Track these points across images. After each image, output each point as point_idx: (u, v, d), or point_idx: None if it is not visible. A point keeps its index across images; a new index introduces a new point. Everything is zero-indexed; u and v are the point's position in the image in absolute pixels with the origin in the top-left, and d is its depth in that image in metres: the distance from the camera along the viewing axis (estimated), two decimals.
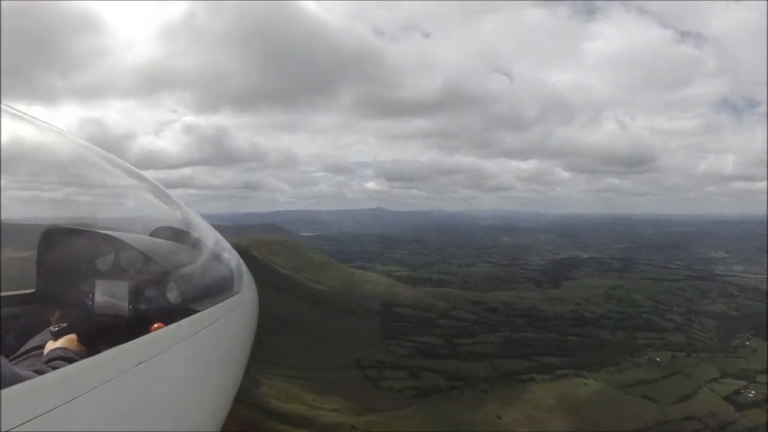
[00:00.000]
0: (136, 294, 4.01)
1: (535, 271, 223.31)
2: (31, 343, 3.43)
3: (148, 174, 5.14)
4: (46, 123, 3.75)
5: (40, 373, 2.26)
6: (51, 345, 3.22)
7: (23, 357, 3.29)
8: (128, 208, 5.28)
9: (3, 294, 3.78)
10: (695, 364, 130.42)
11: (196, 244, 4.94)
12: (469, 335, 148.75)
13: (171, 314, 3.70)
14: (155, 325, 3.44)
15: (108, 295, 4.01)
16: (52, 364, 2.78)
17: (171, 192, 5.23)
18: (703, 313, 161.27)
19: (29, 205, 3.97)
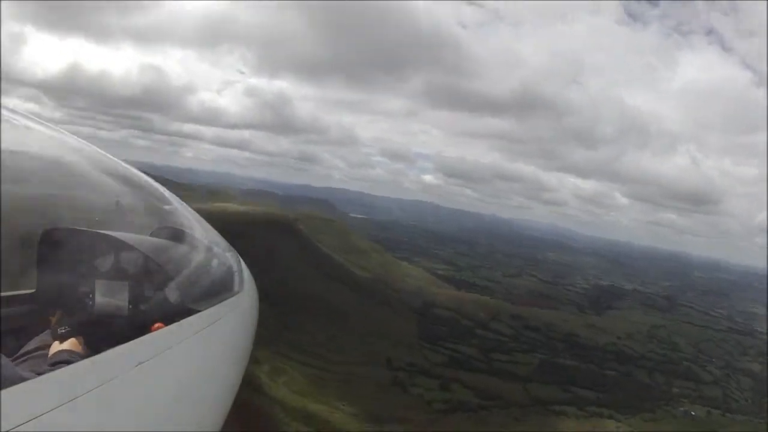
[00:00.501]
0: (136, 294, 3.90)
1: (578, 294, 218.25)
2: (32, 343, 3.35)
3: (148, 177, 5.16)
4: (46, 123, 3.81)
5: (41, 374, 2.26)
6: (56, 347, 3.15)
7: (24, 357, 3.22)
8: (128, 209, 4.87)
9: (3, 294, 3.72)
10: (728, 424, 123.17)
11: (196, 244, 4.90)
12: (507, 352, 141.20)
13: (171, 314, 3.66)
14: (155, 325, 3.42)
15: (108, 295, 3.84)
16: (57, 367, 2.71)
17: (171, 192, 5.21)
18: (742, 371, 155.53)
19: (29, 205, 3.97)
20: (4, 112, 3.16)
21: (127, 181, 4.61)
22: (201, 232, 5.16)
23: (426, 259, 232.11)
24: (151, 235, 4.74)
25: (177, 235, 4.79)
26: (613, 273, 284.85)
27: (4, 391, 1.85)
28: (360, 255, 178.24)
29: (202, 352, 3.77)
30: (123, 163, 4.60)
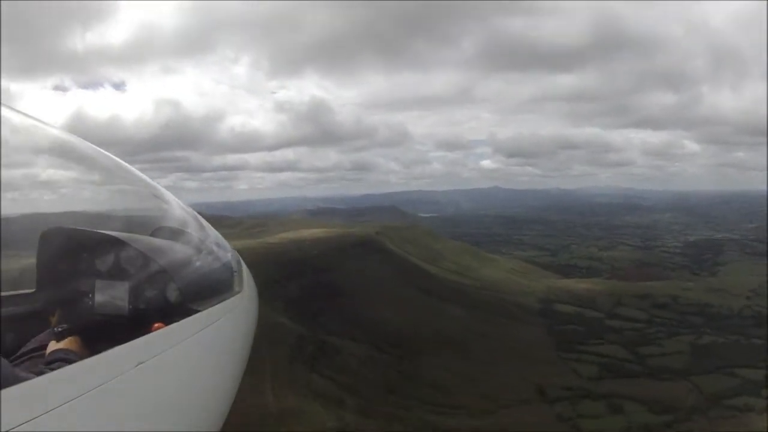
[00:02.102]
0: (136, 294, 3.88)
1: (677, 255, 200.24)
2: (32, 343, 3.39)
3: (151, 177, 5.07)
4: (45, 123, 3.70)
5: (40, 374, 2.26)
6: (53, 346, 3.17)
7: (24, 357, 3.26)
8: (128, 208, 5.14)
9: (3, 294, 3.65)
10: None
11: (196, 244, 4.77)
12: (651, 341, 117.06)
13: (171, 314, 3.64)
14: (155, 325, 3.35)
15: (108, 295, 3.85)
16: (53, 365, 2.75)
17: (171, 192, 5.04)
18: None
19: (29, 205, 4.01)
20: (4, 112, 3.05)
21: (127, 180, 4.50)
22: (201, 232, 4.92)
23: (513, 248, 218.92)
24: (151, 235, 4.57)
25: (177, 235, 4.64)
26: (696, 225, 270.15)
27: (4, 391, 1.84)
28: (453, 259, 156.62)
29: (202, 352, 3.67)
30: (123, 163, 4.42)
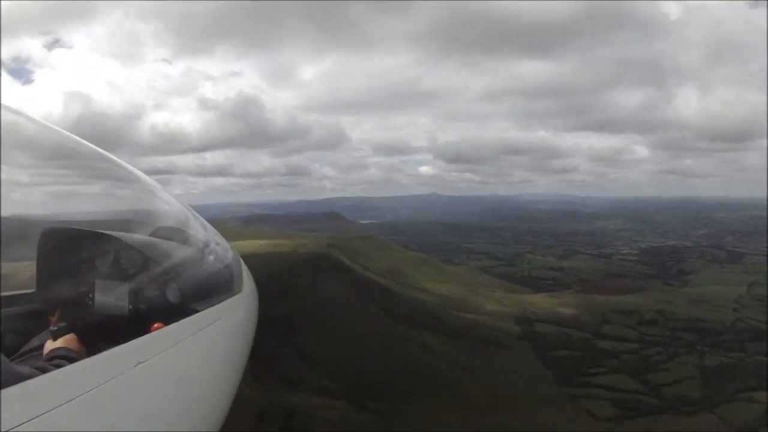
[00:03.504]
0: (136, 294, 3.89)
1: (638, 263, 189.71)
2: (32, 343, 3.35)
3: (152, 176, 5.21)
4: (45, 122, 3.78)
5: (40, 372, 2.27)
6: (50, 345, 3.12)
7: (24, 357, 3.21)
8: (128, 208, 5.13)
9: (3, 294, 3.70)
10: None
11: (196, 244, 4.81)
12: (656, 366, 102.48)
13: (171, 314, 3.61)
14: (155, 325, 3.36)
15: (108, 295, 3.87)
16: (52, 363, 2.74)
17: (171, 192, 5.17)
18: None
19: (29, 205, 4.07)
20: (4, 111, 3.07)
21: (127, 180, 4.49)
22: (201, 231, 4.93)
23: (465, 257, 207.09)
24: (151, 235, 4.52)
25: (177, 235, 4.60)
26: (644, 232, 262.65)
27: (4, 391, 1.83)
28: (413, 274, 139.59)
29: (202, 352, 3.66)
30: (124, 163, 4.43)
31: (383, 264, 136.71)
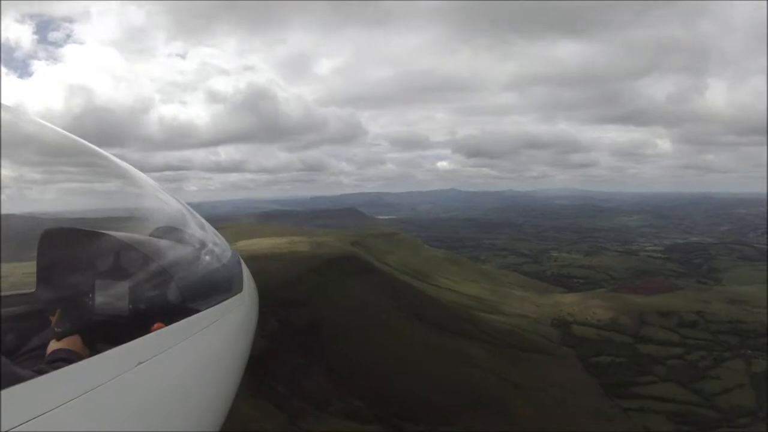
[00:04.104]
0: (136, 294, 3.82)
1: (666, 260, 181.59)
2: (32, 343, 3.36)
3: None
4: (45, 122, 3.78)
5: (41, 373, 2.23)
6: (53, 345, 3.13)
7: (23, 357, 3.22)
8: (128, 208, 4.92)
9: (3, 294, 3.64)
10: None
11: (196, 244, 4.76)
12: (705, 373, 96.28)
13: (171, 314, 3.57)
14: (155, 325, 3.31)
15: (108, 295, 3.79)
16: (54, 365, 2.65)
17: (171, 191, 5.07)
18: None
19: (29, 205, 4.01)
20: (4, 112, 3.07)
21: (127, 179, 4.49)
22: (201, 232, 4.91)
23: (490, 253, 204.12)
24: (151, 235, 4.46)
25: (177, 235, 4.58)
26: (666, 228, 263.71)
27: (4, 391, 1.84)
28: (443, 273, 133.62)
29: (202, 352, 3.66)
30: (124, 163, 4.43)
31: (411, 263, 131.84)
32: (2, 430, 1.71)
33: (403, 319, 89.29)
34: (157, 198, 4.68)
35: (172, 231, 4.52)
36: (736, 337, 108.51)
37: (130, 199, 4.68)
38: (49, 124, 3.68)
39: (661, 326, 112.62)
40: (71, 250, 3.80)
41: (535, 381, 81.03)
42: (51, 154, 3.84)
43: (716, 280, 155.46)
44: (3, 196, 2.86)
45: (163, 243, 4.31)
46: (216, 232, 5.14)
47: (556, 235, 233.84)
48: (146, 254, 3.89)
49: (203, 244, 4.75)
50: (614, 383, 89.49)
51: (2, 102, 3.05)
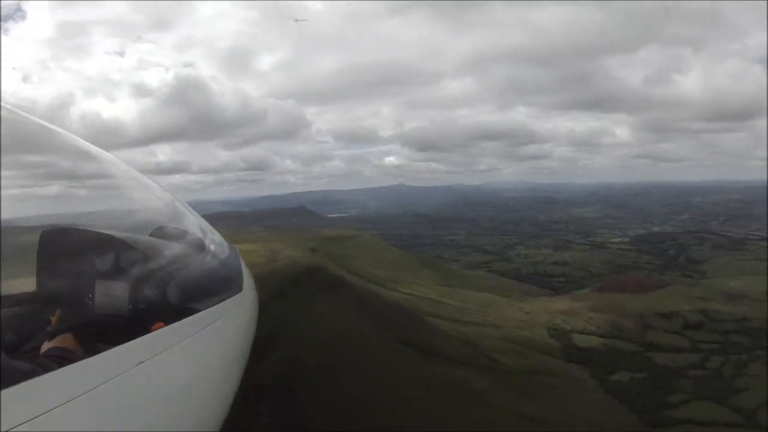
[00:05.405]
0: (136, 294, 3.87)
1: (641, 252, 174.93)
2: (32, 343, 3.39)
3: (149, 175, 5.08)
4: (46, 122, 3.81)
5: (40, 372, 2.25)
6: (47, 345, 3.15)
7: (24, 357, 3.09)
8: (128, 208, 5.06)
9: (3, 294, 3.64)
10: None
11: (196, 244, 4.83)
12: (731, 385, 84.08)
13: (171, 314, 3.62)
14: (155, 325, 3.37)
15: (108, 295, 3.82)
16: (47, 361, 2.72)
17: (171, 191, 5.11)
18: None
19: (29, 205, 4.14)
20: (4, 111, 3.11)
21: (127, 180, 4.52)
22: (201, 231, 4.98)
23: (454, 252, 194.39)
24: (151, 235, 4.58)
25: (177, 234, 4.65)
26: (626, 219, 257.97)
27: (4, 391, 1.84)
28: (418, 280, 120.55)
29: (202, 352, 3.69)
30: (124, 163, 4.47)
31: (377, 269, 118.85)
32: (2, 430, 1.70)
33: (392, 350, 67.66)
34: (157, 197, 4.76)
35: (171, 230, 4.54)
36: (747, 337, 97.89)
37: (130, 199, 4.73)
38: (50, 124, 3.66)
39: (665, 330, 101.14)
40: (71, 250, 3.82)
41: (559, 414, 64.80)
42: (52, 154, 3.75)
43: (701, 273, 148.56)
44: (3, 196, 2.82)
45: (163, 242, 4.33)
46: (216, 232, 5.15)
47: (514, 229, 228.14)
48: (146, 254, 3.94)
49: (203, 244, 4.72)
50: (645, 407, 75.87)
51: (2, 102, 3.04)
